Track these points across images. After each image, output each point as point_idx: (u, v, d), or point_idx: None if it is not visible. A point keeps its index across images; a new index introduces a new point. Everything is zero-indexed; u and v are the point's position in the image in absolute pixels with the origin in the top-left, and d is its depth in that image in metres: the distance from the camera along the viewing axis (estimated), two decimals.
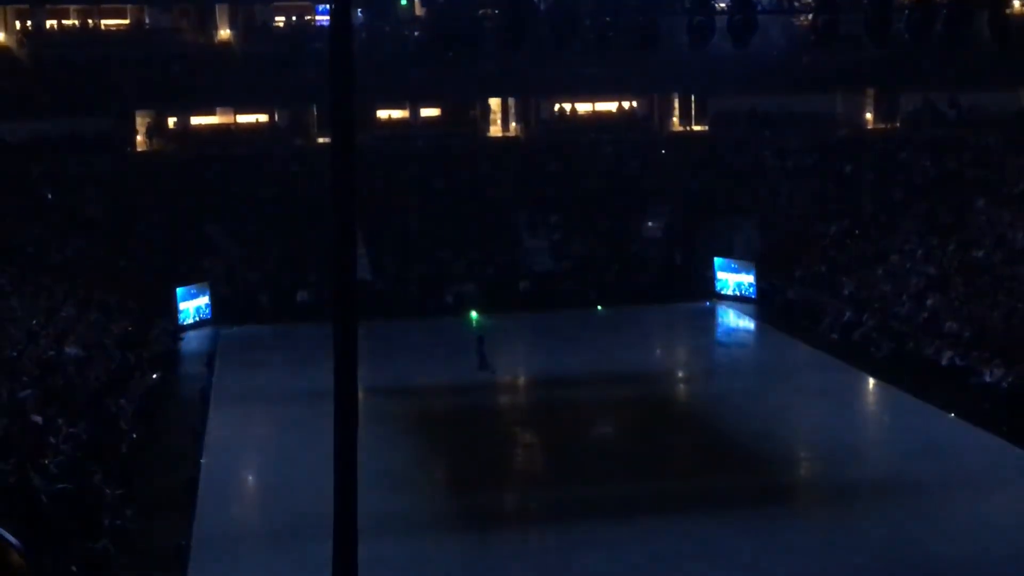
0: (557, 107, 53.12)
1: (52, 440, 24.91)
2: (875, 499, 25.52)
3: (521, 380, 37.01)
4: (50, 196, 44.73)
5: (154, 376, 33.38)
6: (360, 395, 4.96)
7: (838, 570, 21.84)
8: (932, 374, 32.91)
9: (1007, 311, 34.60)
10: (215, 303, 42.18)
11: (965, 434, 29.08)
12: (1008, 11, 44.70)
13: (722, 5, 39.18)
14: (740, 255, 44.58)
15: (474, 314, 38.43)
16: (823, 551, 22.73)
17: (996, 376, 30.96)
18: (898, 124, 51.87)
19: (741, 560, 22.21)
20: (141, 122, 49.52)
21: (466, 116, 52.62)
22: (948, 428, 29.69)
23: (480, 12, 37.92)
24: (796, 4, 40.49)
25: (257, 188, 46.46)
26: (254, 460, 29.82)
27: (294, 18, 50.89)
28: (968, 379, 31.74)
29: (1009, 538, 23.20)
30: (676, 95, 52.58)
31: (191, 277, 42.38)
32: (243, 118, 51.67)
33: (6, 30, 47.35)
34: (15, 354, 29.62)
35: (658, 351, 41.28)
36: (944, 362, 33.06)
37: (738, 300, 43.92)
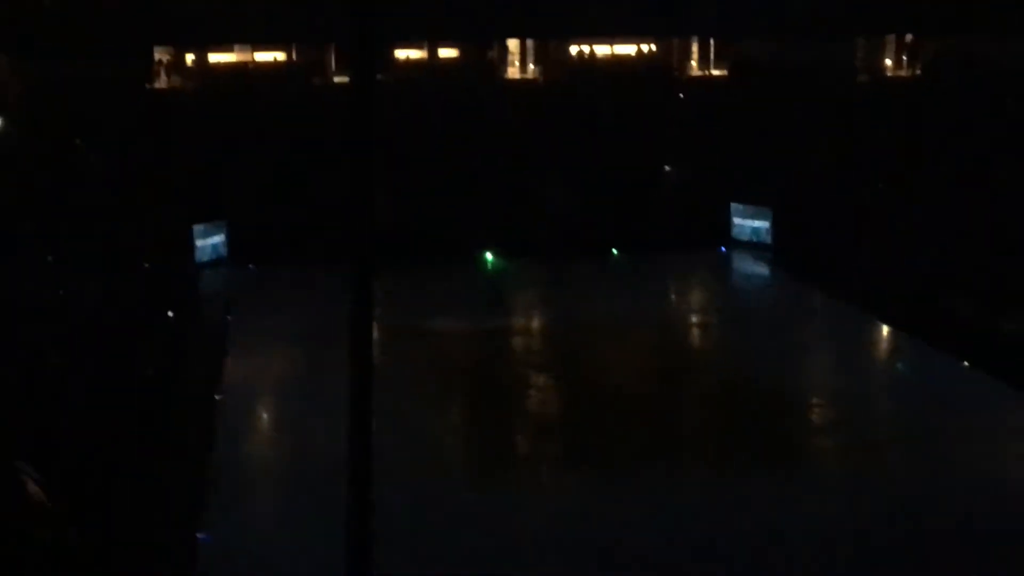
0: (576, 50, 52.80)
1: (69, 380, 25.02)
2: (887, 448, 25.69)
3: (534, 324, 37.00)
4: (78, 141, 44.61)
5: (170, 315, 33.45)
6: (375, 338, 4.95)
7: (857, 519, 21.89)
8: (951, 324, 32.82)
9: None
10: (233, 242, 42.20)
11: (981, 385, 29.08)
12: None
13: None
14: (757, 201, 44.33)
15: (488, 256, 38.37)
16: (842, 500, 22.84)
17: (1015, 326, 30.88)
18: (919, 71, 51.50)
19: (758, 509, 22.28)
20: (159, 60, 49.46)
21: (484, 58, 52.35)
22: (963, 378, 29.69)
23: None
24: None
25: (275, 127, 46.31)
26: (270, 400, 29.97)
27: None
28: (987, 330, 31.66)
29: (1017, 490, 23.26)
30: (695, 39, 52.25)
31: (209, 215, 42.30)
32: (261, 56, 51.55)
33: None
34: (31, 294, 29.69)
35: (673, 297, 41.25)
36: (963, 312, 32.96)
37: (755, 247, 43.76)
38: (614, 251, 42.96)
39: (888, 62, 51.96)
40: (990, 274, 34.14)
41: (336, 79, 49.42)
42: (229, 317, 35.09)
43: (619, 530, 21.31)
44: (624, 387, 30.31)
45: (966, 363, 30.21)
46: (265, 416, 29.18)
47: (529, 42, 52.08)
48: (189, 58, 50.63)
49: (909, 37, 51.46)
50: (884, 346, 34.92)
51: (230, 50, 50.96)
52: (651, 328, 34.96)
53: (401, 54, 51.47)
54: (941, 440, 25.57)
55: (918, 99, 48.83)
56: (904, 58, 51.78)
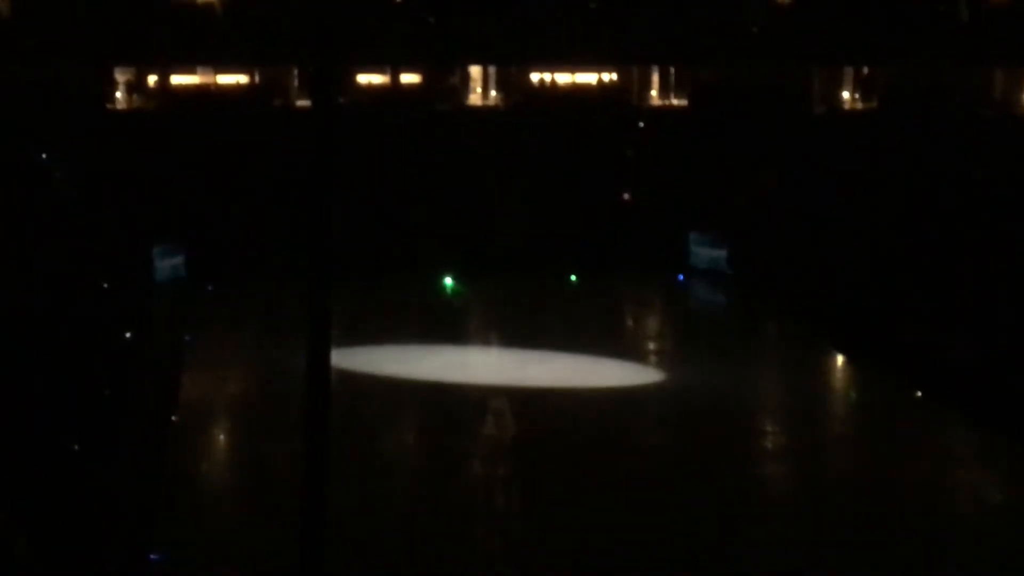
0: (537, 78, 53.10)
1: (22, 398, 24.90)
2: (832, 473, 26.09)
3: (489, 350, 37.05)
4: (44, 155, 44.47)
5: (127, 335, 33.34)
6: (332, 359, 5.09)
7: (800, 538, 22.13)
8: (905, 351, 33.13)
9: (979, 287, 34.90)
10: (192, 262, 42.17)
11: (931, 412, 29.41)
12: None
13: None
14: (715, 229, 44.70)
15: (447, 280, 38.61)
16: (787, 521, 23.06)
17: (964, 353, 31.23)
18: (875, 104, 52.10)
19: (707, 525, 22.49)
20: (120, 79, 49.41)
21: (446, 84, 52.57)
22: (915, 406, 30.04)
23: None
24: None
25: (236, 148, 46.34)
26: (227, 420, 29.97)
27: None
28: (935, 356, 32.00)
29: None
30: (655, 69, 52.67)
31: (169, 236, 42.29)
32: (224, 79, 51.56)
33: None
34: None
35: (629, 323, 41.59)
36: (918, 339, 33.28)
37: (713, 275, 44.08)
38: (572, 277, 43.22)
39: (846, 94, 52.50)
40: (946, 302, 34.52)
41: (298, 102, 49.59)
42: (186, 337, 35.05)
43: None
44: (568, 409, 30.33)
45: (919, 392, 30.56)
46: (221, 436, 29.17)
47: (491, 69, 52.37)
48: (151, 79, 50.54)
49: (866, 70, 52.09)
50: (837, 373, 35.26)
51: (193, 72, 50.96)
52: (604, 351, 35.09)
53: (363, 79, 51.59)
54: (886, 465, 25.88)
55: (874, 129, 49.39)
56: (861, 90, 52.36)
